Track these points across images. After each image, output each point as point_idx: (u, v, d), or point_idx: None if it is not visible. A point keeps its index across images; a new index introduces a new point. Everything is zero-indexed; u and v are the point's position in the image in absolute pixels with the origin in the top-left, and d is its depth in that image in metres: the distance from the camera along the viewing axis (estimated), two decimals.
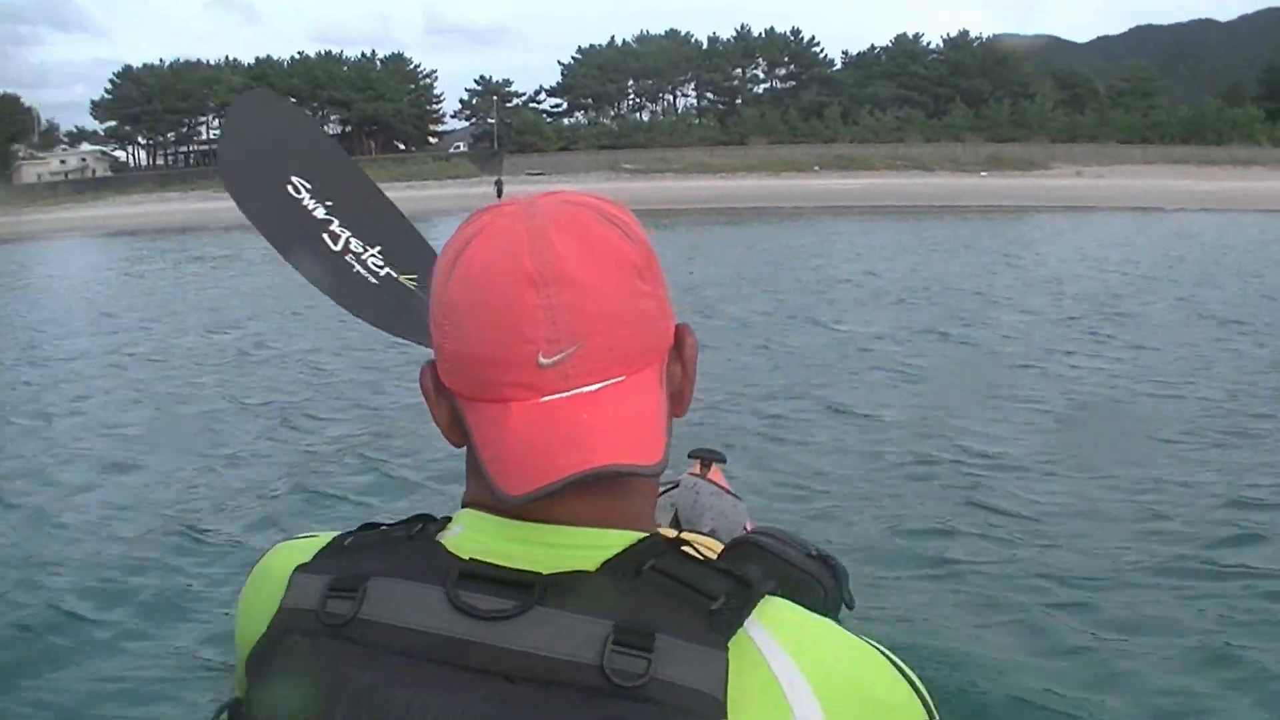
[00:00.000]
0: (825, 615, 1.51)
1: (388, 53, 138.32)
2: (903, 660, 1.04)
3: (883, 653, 1.07)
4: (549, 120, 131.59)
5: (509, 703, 0.95)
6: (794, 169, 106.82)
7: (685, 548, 1.05)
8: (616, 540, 1.05)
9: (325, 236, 2.17)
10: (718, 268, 30.09)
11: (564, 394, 1.02)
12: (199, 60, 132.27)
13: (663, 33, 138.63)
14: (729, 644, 0.96)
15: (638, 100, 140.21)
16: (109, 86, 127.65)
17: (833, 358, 15.29)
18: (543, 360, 1.01)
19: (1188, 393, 12.36)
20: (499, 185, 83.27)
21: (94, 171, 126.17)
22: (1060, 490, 8.58)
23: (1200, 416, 11.12)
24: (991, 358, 15.30)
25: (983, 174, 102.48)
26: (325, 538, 1.16)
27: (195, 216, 75.81)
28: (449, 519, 1.13)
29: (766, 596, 1.04)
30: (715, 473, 2.87)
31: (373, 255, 2.20)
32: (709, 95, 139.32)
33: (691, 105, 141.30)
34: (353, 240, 2.18)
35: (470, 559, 1.04)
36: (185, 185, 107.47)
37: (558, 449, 1.00)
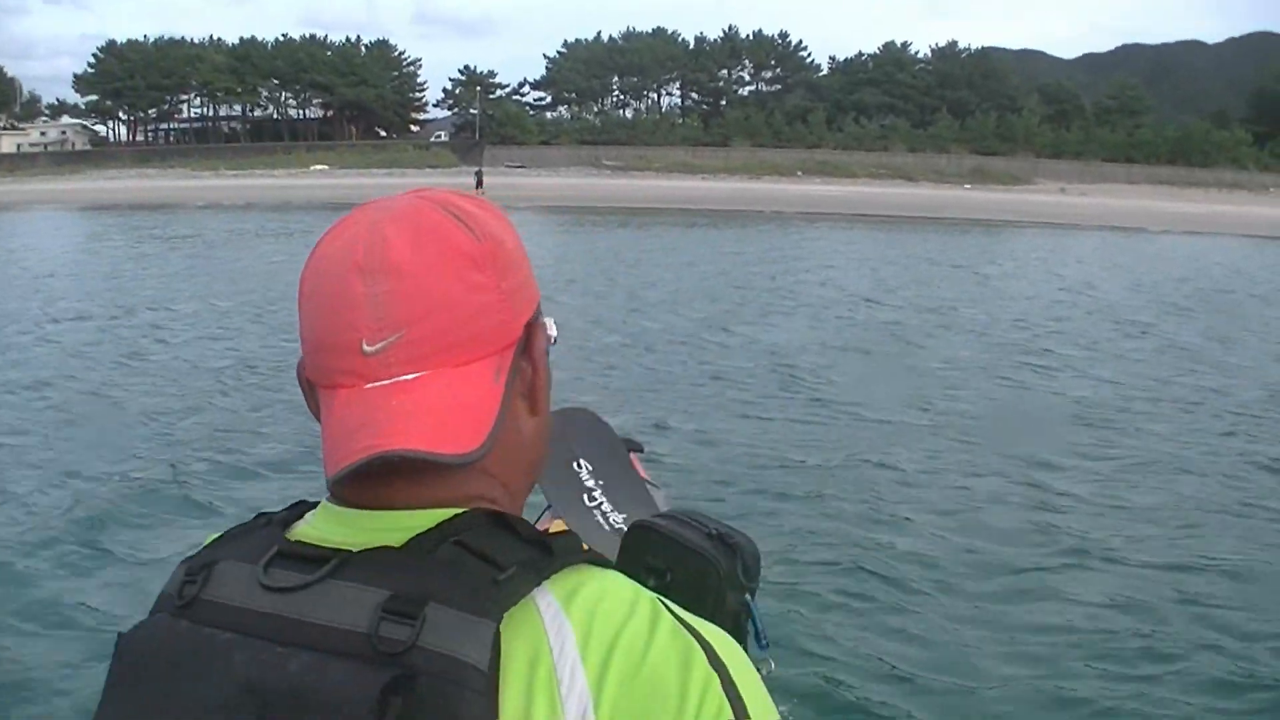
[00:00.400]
0: (721, 595, 1.85)
1: (373, 39, 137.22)
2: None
3: (672, 612, 1.05)
4: (531, 114, 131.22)
5: (299, 672, 0.95)
6: (776, 173, 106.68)
7: (500, 518, 1.06)
8: (432, 519, 1.05)
9: (584, 496, 2.68)
10: (672, 271, 29.98)
11: (385, 381, 1.03)
12: (183, 38, 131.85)
13: (649, 30, 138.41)
14: (508, 613, 0.96)
15: (622, 97, 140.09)
16: (92, 60, 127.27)
17: (717, 370, 15.19)
18: (366, 348, 1.03)
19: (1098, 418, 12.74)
20: (479, 176, 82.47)
21: (73, 145, 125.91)
22: (936, 494, 9.46)
23: (1102, 443, 11.55)
24: (897, 377, 15.02)
25: (966, 187, 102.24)
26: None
27: (172, 194, 75.42)
28: (311, 506, 1.15)
29: (580, 566, 1.04)
30: (633, 461, 2.95)
31: (614, 514, 2.70)
32: (694, 95, 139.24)
33: (676, 104, 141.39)
34: (605, 504, 2.69)
35: (292, 540, 1.06)
36: (164, 162, 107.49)
37: (360, 433, 1.01)
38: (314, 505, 1.15)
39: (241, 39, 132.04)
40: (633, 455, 3.04)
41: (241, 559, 1.05)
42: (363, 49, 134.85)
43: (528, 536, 1.04)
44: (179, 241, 38.61)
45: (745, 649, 1.57)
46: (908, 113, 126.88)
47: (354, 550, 1.02)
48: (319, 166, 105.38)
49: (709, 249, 38.80)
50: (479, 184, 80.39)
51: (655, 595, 1.06)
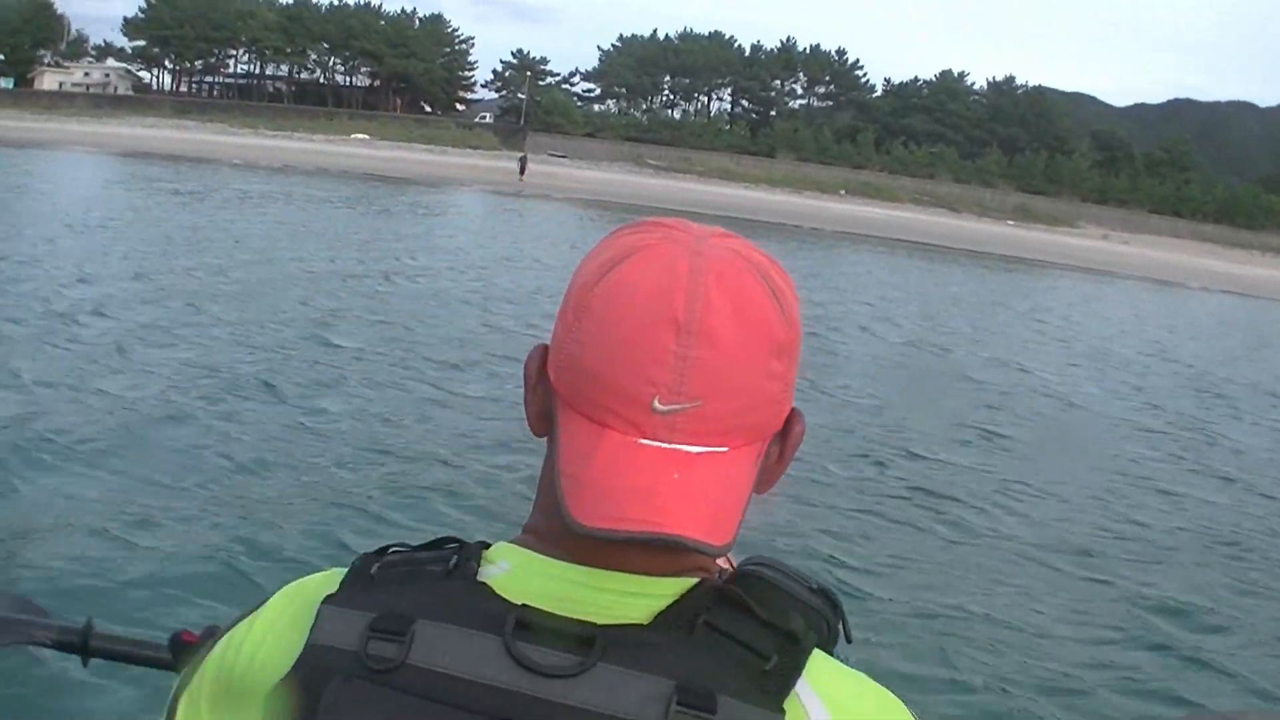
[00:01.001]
0: (827, 650, 1.86)
1: (429, 12, 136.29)
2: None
3: (899, 700, 1.11)
4: (579, 104, 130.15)
5: None
6: (819, 189, 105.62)
7: (732, 594, 1.05)
8: (668, 589, 1.05)
9: None
10: None
11: (664, 444, 1.01)
12: None
13: (706, 34, 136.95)
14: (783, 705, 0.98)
15: (671, 97, 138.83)
16: (143, 5, 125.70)
17: None
18: (658, 406, 1.00)
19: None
20: (523, 162, 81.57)
21: (115, 89, 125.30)
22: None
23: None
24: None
25: (1010, 223, 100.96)
26: (338, 572, 1.13)
27: (208, 148, 74.71)
28: (482, 546, 1.12)
29: (814, 651, 1.06)
30: None
31: None
32: (744, 103, 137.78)
33: (725, 110, 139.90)
34: None
35: (523, 605, 1.02)
36: (203, 115, 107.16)
37: (634, 499, 0.98)
38: (483, 543, 1.12)
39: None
40: None
41: (459, 621, 1.01)
42: (416, 21, 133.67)
43: (764, 618, 1.03)
44: (190, 198, 37.55)
45: None
46: (957, 143, 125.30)
47: (598, 624, 1.00)
48: (359, 135, 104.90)
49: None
50: (522, 170, 79.65)
51: (884, 689, 1.11)
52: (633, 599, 1.03)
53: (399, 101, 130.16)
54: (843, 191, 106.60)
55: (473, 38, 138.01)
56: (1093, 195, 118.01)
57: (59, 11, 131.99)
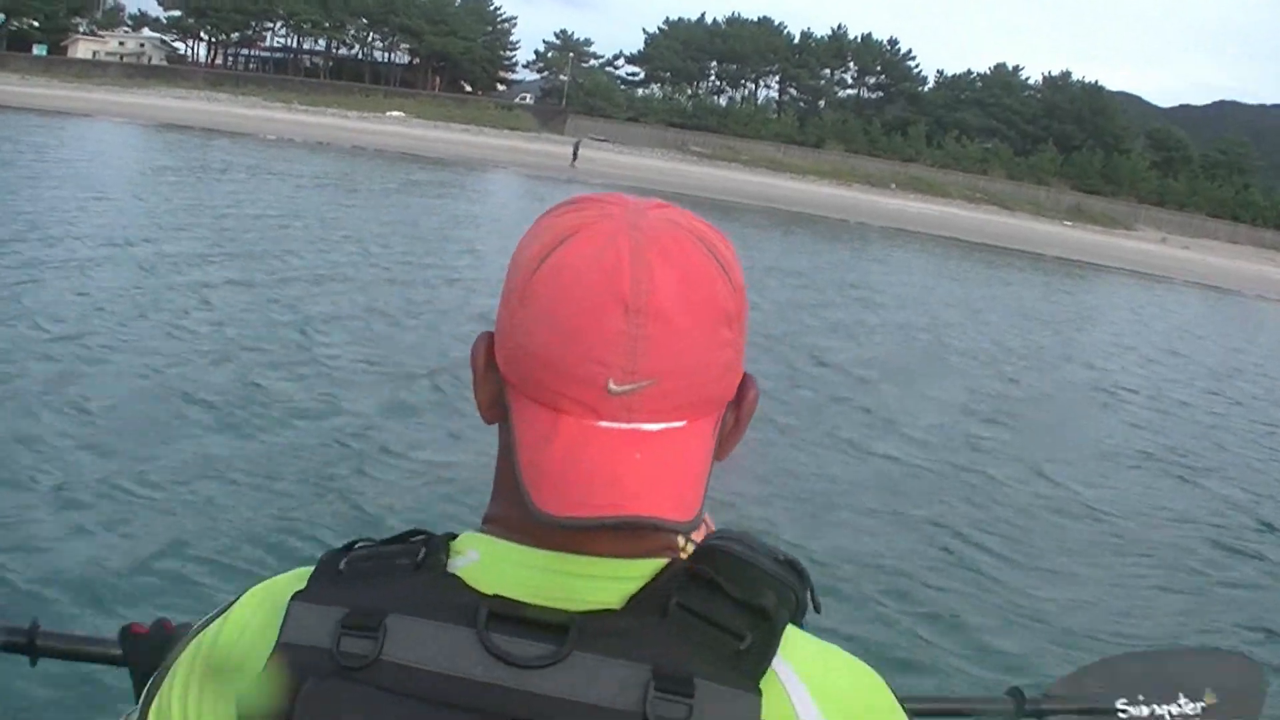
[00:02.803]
0: (796, 622, 1.97)
1: None
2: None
3: (874, 671, 1.13)
4: (622, 88, 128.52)
5: None
6: (868, 182, 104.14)
7: (703, 573, 1.06)
8: (639, 570, 1.06)
9: None
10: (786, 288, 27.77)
11: (622, 424, 1.02)
12: None
13: (755, 19, 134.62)
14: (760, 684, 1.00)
15: (717, 83, 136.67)
16: None
17: None
18: (613, 387, 1.01)
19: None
20: (576, 147, 79.96)
21: (150, 59, 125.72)
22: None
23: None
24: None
25: (1066, 224, 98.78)
26: (305, 570, 1.13)
27: (239, 121, 73.94)
28: (450, 537, 1.12)
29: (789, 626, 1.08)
30: None
31: None
32: (792, 91, 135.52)
33: (772, 98, 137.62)
34: None
35: (494, 595, 1.03)
36: (236, 88, 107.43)
37: (598, 483, 0.99)
38: (450, 535, 1.13)
39: None
40: None
41: (419, 613, 1.02)
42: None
43: (736, 596, 1.05)
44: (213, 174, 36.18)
45: None
46: (1010, 139, 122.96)
47: (571, 611, 1.01)
48: (395, 113, 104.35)
49: (808, 259, 36.03)
50: (575, 156, 78.09)
51: (859, 660, 1.14)
52: (604, 583, 1.05)
53: (438, 80, 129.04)
54: (893, 186, 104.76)
55: (515, 17, 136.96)
56: (1150, 197, 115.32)
57: None
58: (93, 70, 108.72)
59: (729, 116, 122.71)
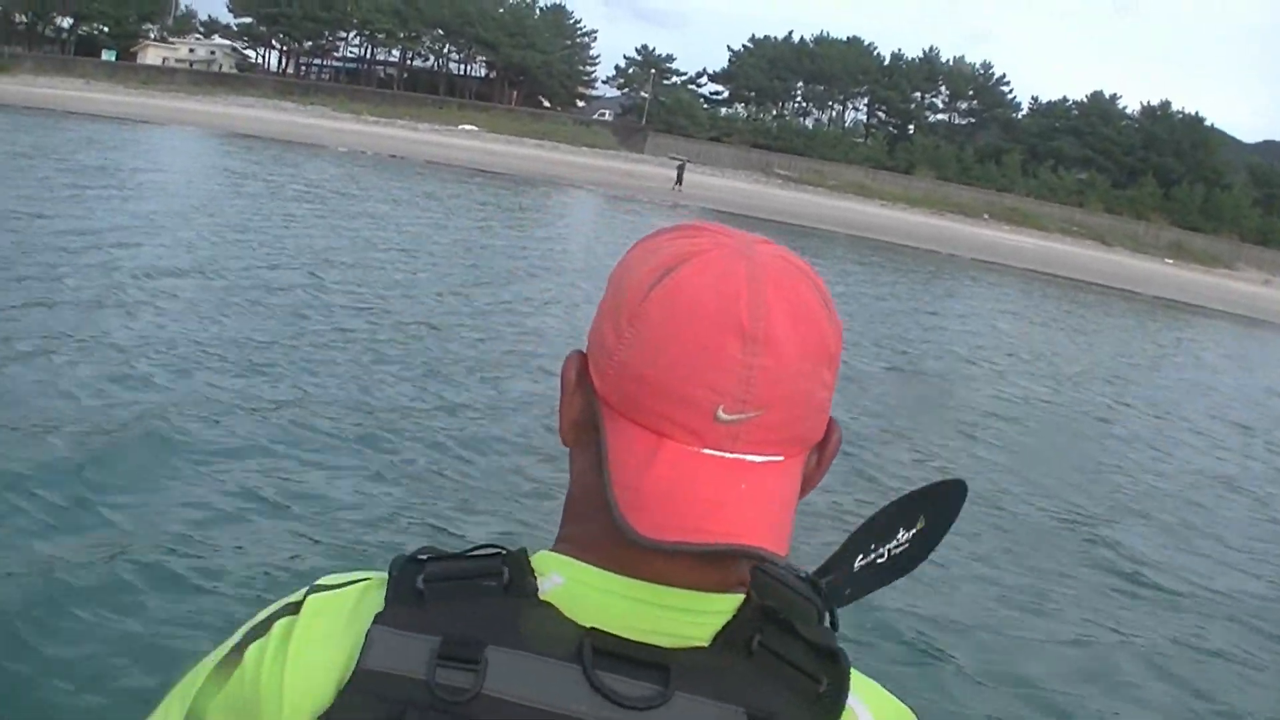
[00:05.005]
0: None
1: (549, 2, 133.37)
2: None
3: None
4: (705, 106, 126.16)
5: None
6: (961, 212, 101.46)
7: (777, 614, 1.08)
8: (722, 605, 1.08)
9: None
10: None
11: (727, 455, 1.03)
12: None
13: (844, 39, 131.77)
14: None
15: (803, 104, 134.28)
16: None
17: None
18: (722, 415, 1.02)
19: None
20: (681, 171, 77.34)
21: (220, 66, 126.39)
22: None
23: None
24: None
25: (1168, 261, 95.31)
26: (372, 576, 1.15)
27: (305, 131, 72.87)
28: (524, 553, 1.12)
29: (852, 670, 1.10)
30: None
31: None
32: (880, 114, 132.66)
33: (860, 121, 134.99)
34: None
35: (592, 628, 1.04)
36: (305, 98, 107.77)
37: (702, 510, 1.00)
38: (516, 551, 1.12)
39: None
40: None
41: (531, 648, 1.02)
42: (537, 11, 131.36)
43: (809, 638, 1.08)
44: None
45: None
46: (1108, 170, 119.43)
47: (668, 648, 1.03)
48: (467, 126, 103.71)
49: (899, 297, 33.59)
50: (679, 179, 75.43)
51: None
52: (693, 617, 1.06)
53: (515, 94, 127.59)
54: (986, 215, 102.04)
55: (595, 31, 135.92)
56: (1252, 235, 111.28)
57: None
58: (159, 77, 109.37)
59: (815, 138, 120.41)
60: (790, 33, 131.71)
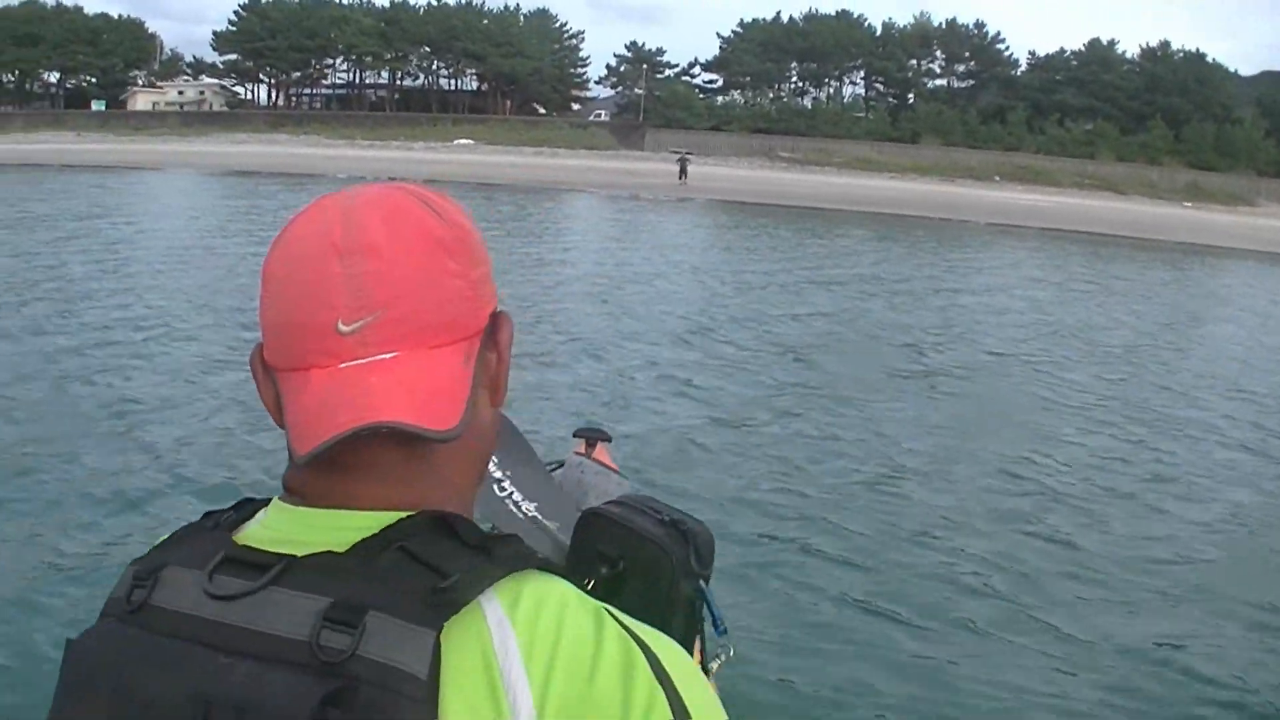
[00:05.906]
0: (675, 582, 1.94)
1: (533, 8, 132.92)
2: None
3: (619, 620, 1.10)
4: (701, 96, 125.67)
5: (242, 681, 0.99)
6: (971, 176, 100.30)
7: (444, 521, 1.09)
8: (365, 522, 1.09)
9: (495, 487, 2.64)
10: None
11: (361, 360, 1.08)
12: None
13: (833, 13, 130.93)
14: (450, 622, 1.00)
15: (800, 84, 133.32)
16: (233, 18, 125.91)
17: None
18: (342, 327, 1.07)
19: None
20: (684, 162, 76.01)
21: (211, 105, 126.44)
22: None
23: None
24: None
25: (1187, 205, 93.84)
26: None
27: (303, 162, 72.14)
28: (262, 501, 1.20)
29: (527, 572, 1.07)
30: (600, 451, 2.89)
31: (526, 503, 2.66)
32: (879, 85, 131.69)
33: (859, 95, 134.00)
34: (515, 493, 2.65)
35: (243, 546, 1.10)
36: (299, 128, 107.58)
37: (342, 409, 1.05)
38: (263, 502, 1.19)
39: (391, 2, 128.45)
40: (600, 446, 2.87)
41: (188, 564, 1.09)
42: (521, 18, 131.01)
43: (472, 542, 1.07)
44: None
45: (702, 635, 1.96)
46: (1114, 118, 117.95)
47: (298, 555, 1.06)
48: (463, 140, 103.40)
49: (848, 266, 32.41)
50: (683, 172, 74.22)
51: (601, 604, 1.11)
52: (347, 533, 1.07)
53: (508, 104, 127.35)
54: (997, 177, 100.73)
55: (582, 32, 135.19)
56: (1269, 169, 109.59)
57: (151, 31, 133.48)
58: (149, 122, 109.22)
59: (816, 117, 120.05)
60: (779, 13, 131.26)
